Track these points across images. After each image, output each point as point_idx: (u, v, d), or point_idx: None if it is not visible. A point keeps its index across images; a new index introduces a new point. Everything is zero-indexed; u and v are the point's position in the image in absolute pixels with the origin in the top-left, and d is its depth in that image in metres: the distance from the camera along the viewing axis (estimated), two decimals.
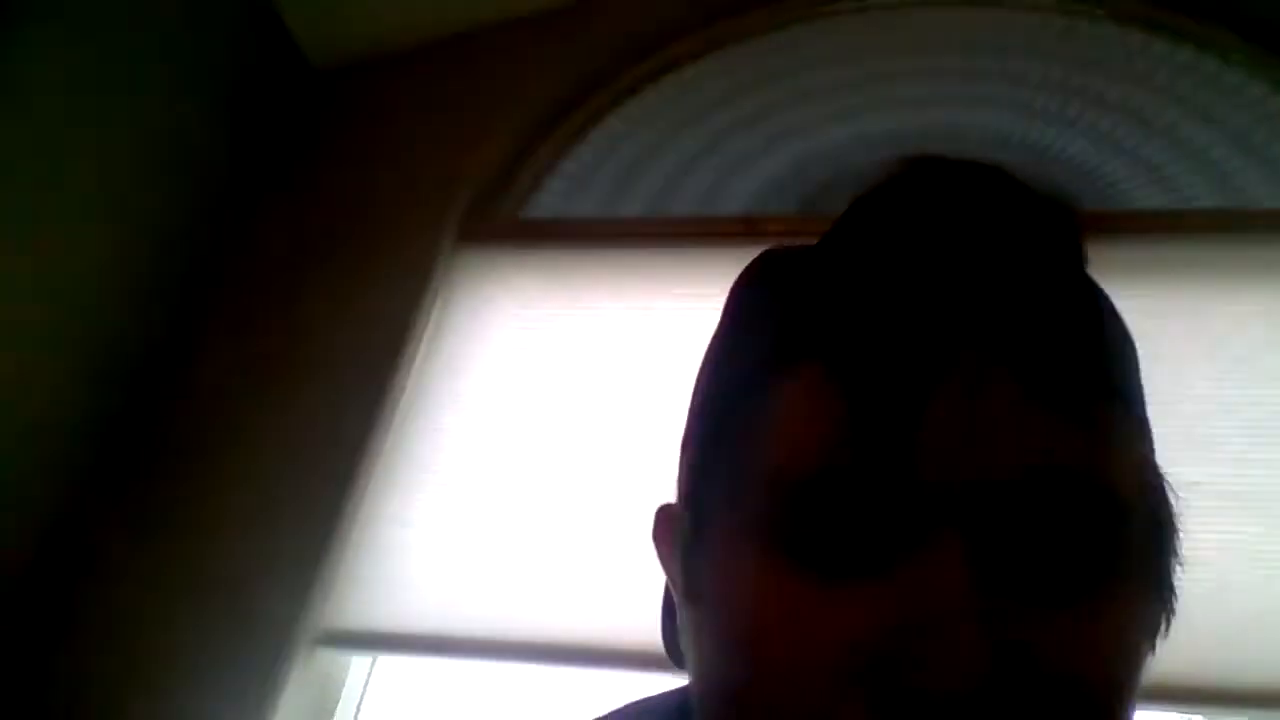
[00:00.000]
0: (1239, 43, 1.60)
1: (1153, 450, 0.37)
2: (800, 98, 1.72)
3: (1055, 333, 0.33)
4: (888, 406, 0.31)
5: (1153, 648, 0.35)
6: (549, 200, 1.71)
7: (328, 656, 1.32)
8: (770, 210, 1.62)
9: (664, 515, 0.46)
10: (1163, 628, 0.36)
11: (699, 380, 0.44)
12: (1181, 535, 0.37)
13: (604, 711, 0.47)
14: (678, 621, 0.41)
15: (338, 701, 1.31)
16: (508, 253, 1.63)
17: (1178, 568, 0.37)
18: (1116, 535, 0.32)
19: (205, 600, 1.31)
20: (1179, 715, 1.25)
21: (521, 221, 1.68)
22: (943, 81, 1.68)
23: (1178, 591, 0.37)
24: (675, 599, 0.42)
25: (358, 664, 1.37)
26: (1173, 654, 1.16)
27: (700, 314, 1.51)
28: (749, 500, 0.34)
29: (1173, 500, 0.37)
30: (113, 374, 1.50)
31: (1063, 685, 0.30)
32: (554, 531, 1.36)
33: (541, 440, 1.44)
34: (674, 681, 0.46)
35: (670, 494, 0.46)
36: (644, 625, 1.28)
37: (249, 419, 1.46)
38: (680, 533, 0.41)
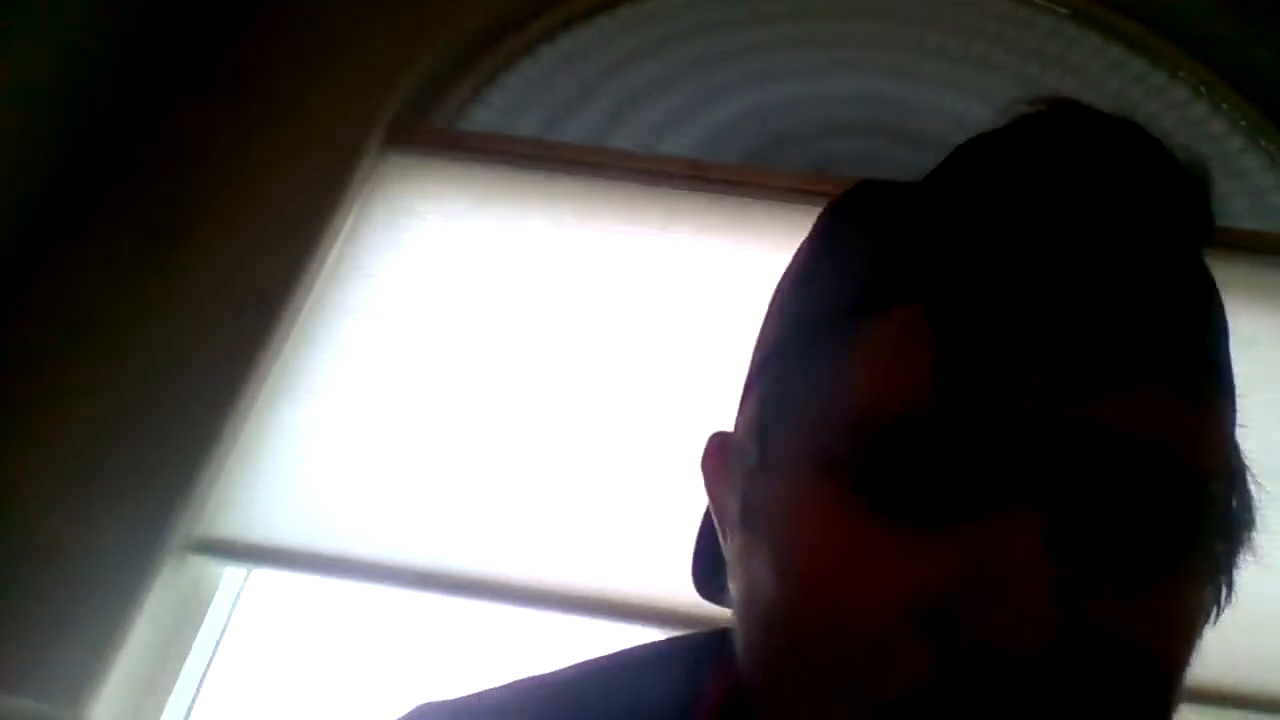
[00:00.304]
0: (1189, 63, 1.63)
1: (1235, 436, 0.35)
2: (762, 48, 1.67)
3: (1166, 305, 0.32)
4: (987, 358, 0.30)
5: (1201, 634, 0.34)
6: (487, 115, 1.62)
7: (198, 564, 1.23)
8: (718, 159, 1.57)
9: (719, 442, 0.44)
10: (1214, 614, 0.35)
11: (777, 305, 0.42)
12: (1258, 523, 0.36)
13: (632, 646, 0.46)
14: (724, 551, 0.41)
15: (205, 611, 1.23)
16: (437, 163, 1.54)
17: (1245, 556, 0.36)
18: (1197, 519, 0.31)
19: (74, 497, 1.20)
20: None
21: (455, 132, 1.59)
22: (901, 52, 1.66)
23: (1237, 580, 0.36)
24: (723, 527, 0.41)
25: (231, 576, 1.28)
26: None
27: (632, 251, 1.47)
28: (828, 437, 0.33)
29: (1253, 488, 0.36)
30: None
31: (1125, 661, 0.29)
32: (451, 457, 1.30)
33: (449, 361, 1.37)
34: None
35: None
36: (532, 559, 1.26)
37: (134, 309, 1.34)
38: (742, 462, 0.39)
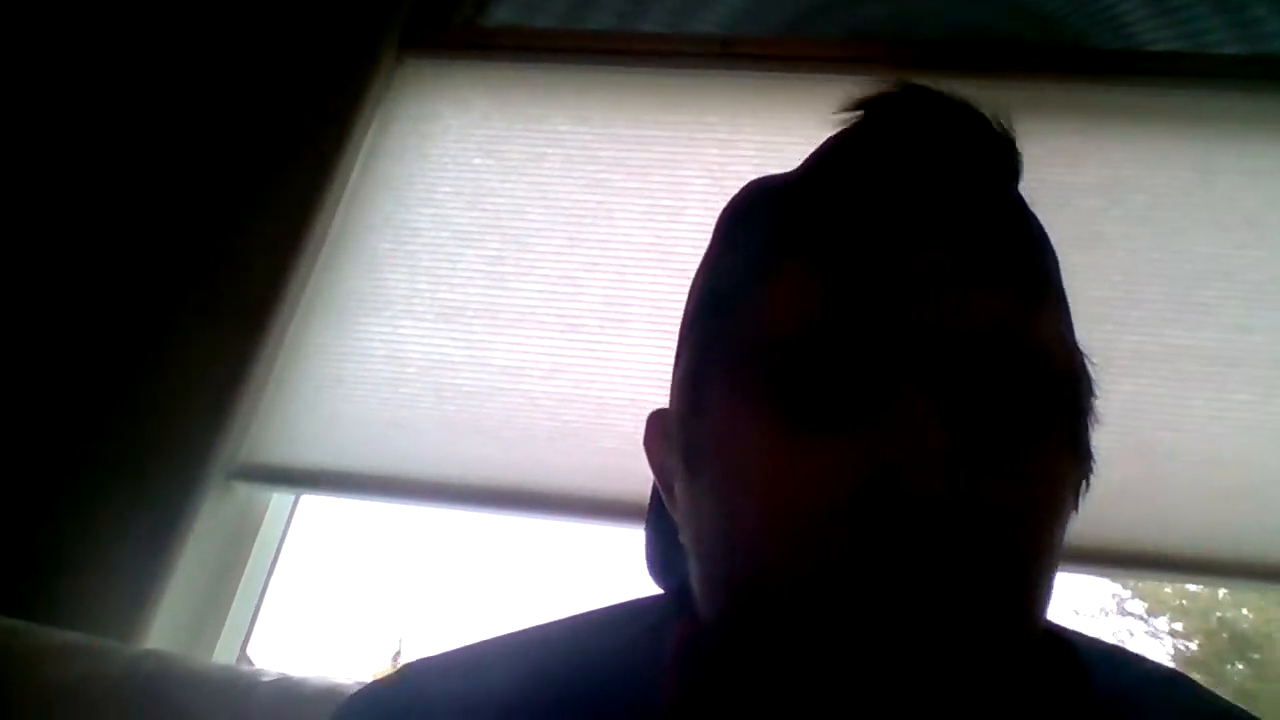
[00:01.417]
0: None
1: (1073, 331, 0.43)
2: None
3: (997, 232, 0.40)
4: (863, 278, 0.37)
5: (1076, 505, 0.41)
6: (505, 9, 1.53)
7: (244, 491, 1.21)
8: (748, 32, 1.45)
9: (655, 418, 0.50)
10: (1084, 486, 0.42)
11: (693, 289, 0.48)
12: (1097, 401, 0.43)
13: (593, 608, 0.49)
14: (673, 516, 0.45)
15: (254, 539, 1.21)
16: (457, 64, 1.46)
17: (1094, 429, 0.42)
18: (1049, 393, 0.38)
19: (114, 428, 1.19)
20: None
21: (472, 28, 1.50)
22: None
23: (1095, 455, 0.42)
24: (669, 492, 0.46)
25: (279, 502, 1.26)
26: (1164, 524, 1.05)
27: (665, 143, 1.38)
28: (746, 368, 0.39)
29: (1091, 371, 0.43)
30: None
31: (1005, 514, 0.35)
32: (489, 367, 1.25)
33: (489, 271, 1.31)
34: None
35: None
36: (589, 468, 1.21)
37: (157, 237, 1.31)
38: (679, 418, 0.44)
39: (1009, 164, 0.43)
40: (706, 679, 0.40)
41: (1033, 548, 0.36)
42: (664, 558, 0.51)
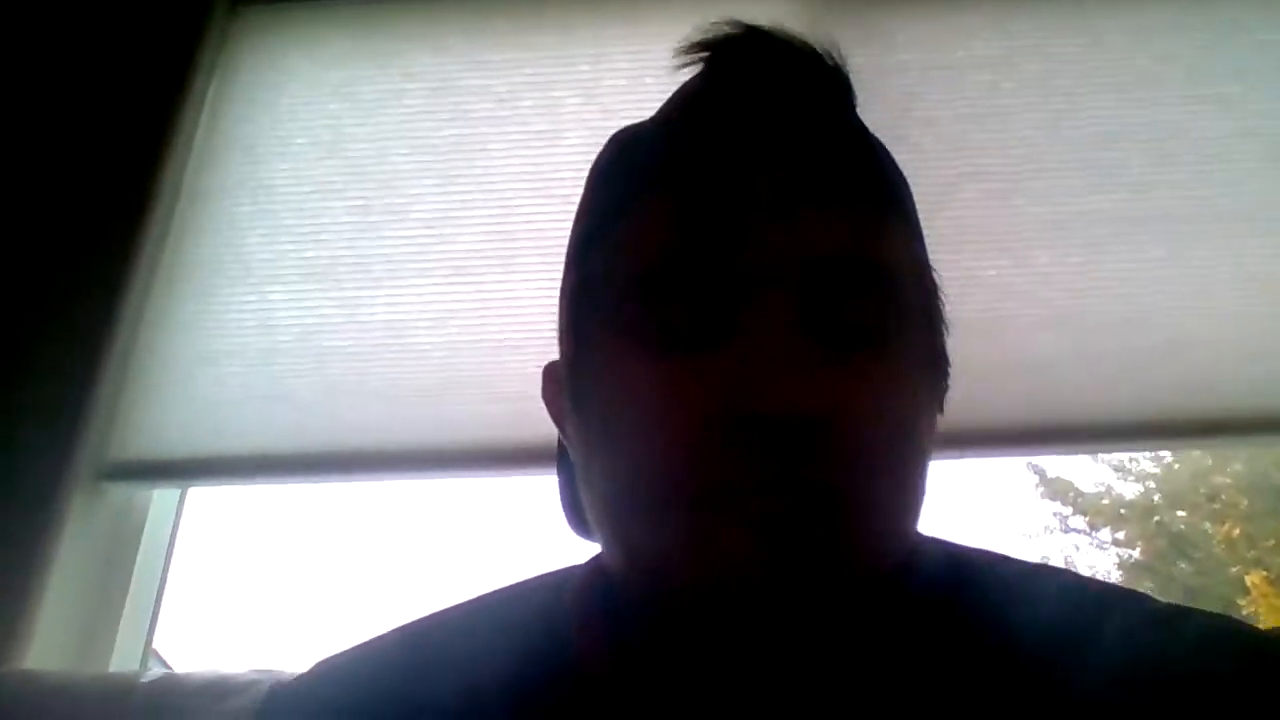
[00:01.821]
0: None
1: (925, 252, 0.46)
2: None
3: (835, 155, 0.42)
4: (712, 207, 0.40)
5: (939, 406, 0.45)
6: None
7: (119, 491, 1.12)
8: None
9: (548, 369, 0.51)
10: (943, 388, 0.45)
11: (570, 242, 0.49)
12: (948, 322, 0.46)
13: (494, 590, 0.51)
14: (571, 456, 0.47)
15: (139, 540, 1.12)
16: (297, 6, 1.35)
17: (945, 337, 0.46)
18: (890, 303, 0.41)
19: None
20: None
21: None
22: None
23: (949, 360, 0.46)
24: (565, 435, 0.48)
25: (163, 498, 1.17)
26: (1091, 394, 1.00)
27: (532, 65, 1.29)
28: (612, 305, 0.42)
29: (942, 296, 0.46)
30: None
31: (858, 415, 0.38)
32: (380, 326, 1.16)
33: (357, 222, 1.22)
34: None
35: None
36: (488, 417, 1.14)
37: None
38: (564, 364, 0.47)
39: (843, 94, 0.46)
40: (610, 608, 0.45)
41: (881, 445, 0.39)
42: (577, 506, 0.49)
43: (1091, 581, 0.45)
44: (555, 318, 0.50)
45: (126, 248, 1.16)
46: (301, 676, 0.49)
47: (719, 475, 0.37)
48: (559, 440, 0.51)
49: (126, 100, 1.25)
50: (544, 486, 1.20)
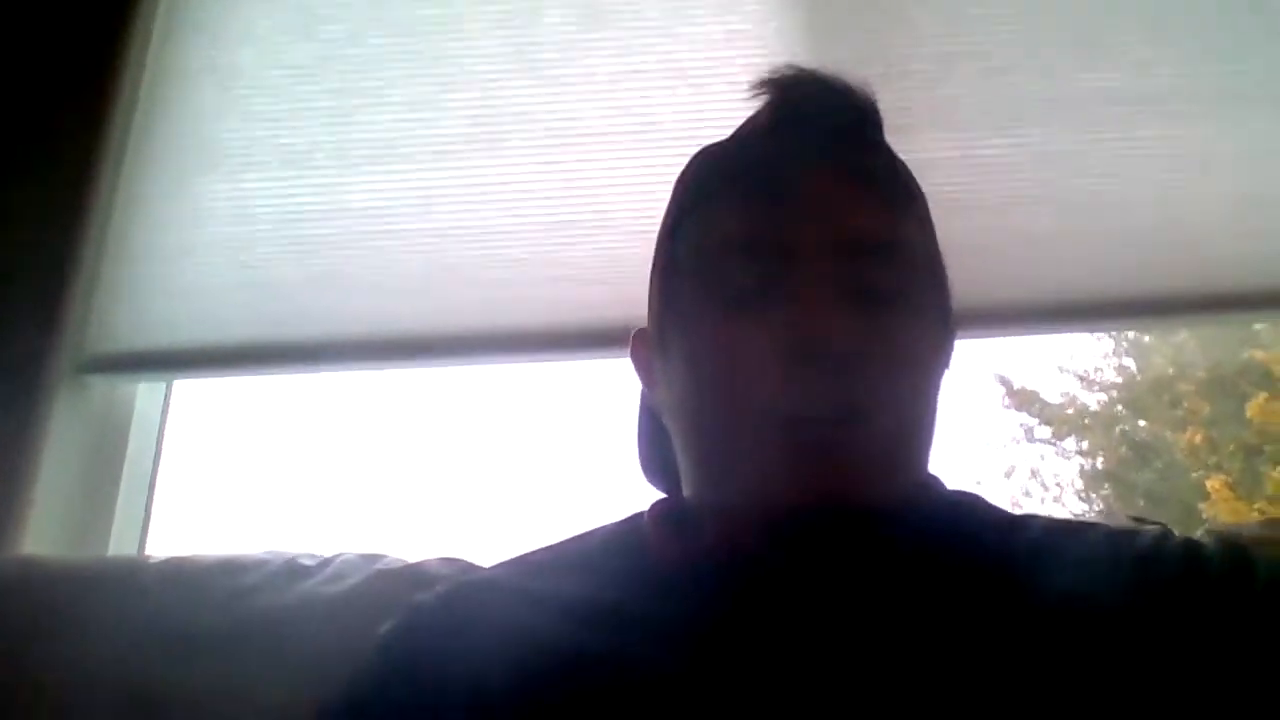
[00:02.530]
0: None
1: (936, 244, 0.60)
2: None
3: (866, 164, 0.56)
4: (768, 200, 0.54)
5: (947, 364, 0.58)
6: None
7: (101, 384, 1.10)
8: None
9: (636, 336, 0.65)
10: (950, 344, 0.59)
11: (658, 233, 0.63)
12: (953, 300, 0.60)
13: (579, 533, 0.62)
14: (654, 400, 0.62)
15: (126, 434, 1.11)
16: None
17: (950, 305, 0.59)
18: (906, 274, 0.54)
19: None
20: None
21: None
22: None
23: (954, 325, 0.60)
24: (651, 386, 0.62)
25: (150, 390, 1.15)
26: (1089, 272, 0.98)
27: None
28: (695, 274, 0.56)
29: (950, 277, 0.60)
30: None
31: (880, 350, 0.51)
32: (362, 214, 1.13)
33: (334, 106, 1.17)
34: None
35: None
36: (477, 303, 1.12)
37: None
38: (653, 321, 0.61)
39: (873, 119, 0.58)
40: (678, 527, 0.57)
41: (897, 371, 0.51)
42: (655, 460, 0.65)
43: (1062, 519, 0.58)
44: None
45: (91, 139, 1.12)
46: (439, 593, 0.58)
47: (786, 402, 0.49)
48: (640, 401, 0.65)
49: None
50: (531, 373, 1.20)
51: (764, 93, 0.58)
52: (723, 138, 0.63)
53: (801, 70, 0.57)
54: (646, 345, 0.62)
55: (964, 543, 0.52)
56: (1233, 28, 1.18)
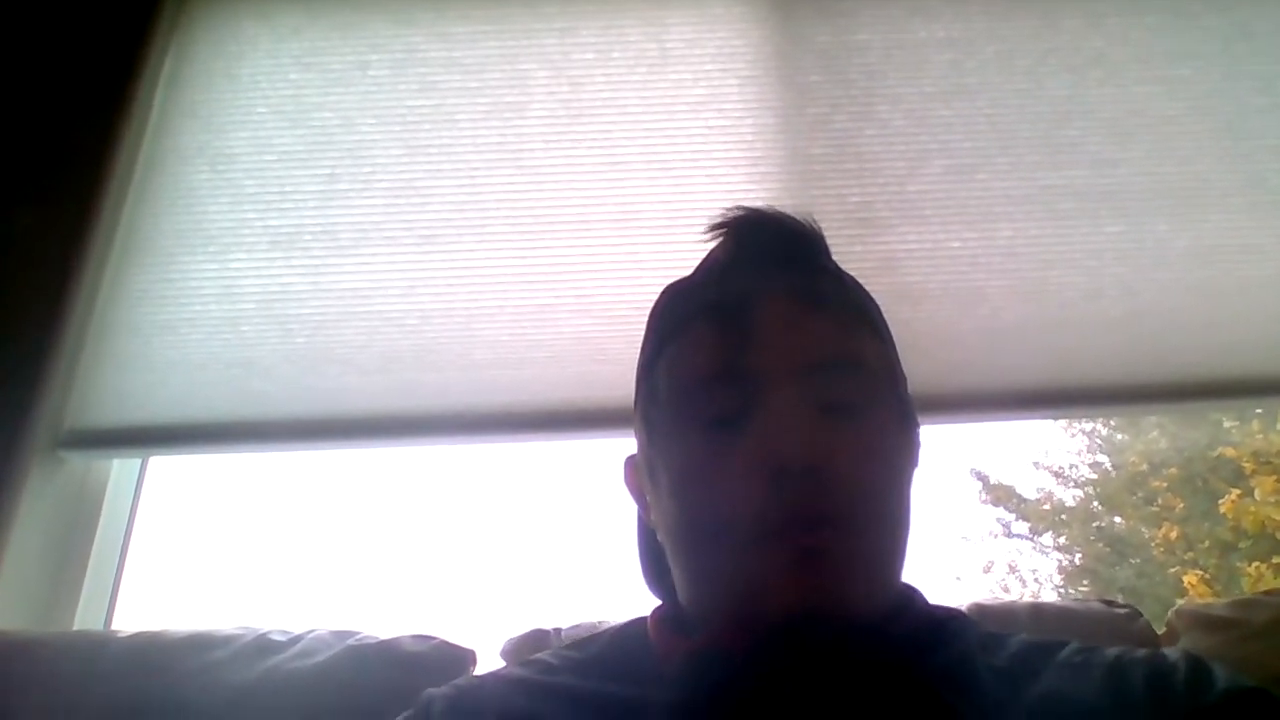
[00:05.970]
0: None
1: (894, 350, 0.64)
2: None
3: (817, 286, 0.61)
4: (737, 329, 0.58)
5: (915, 462, 0.62)
6: None
7: (78, 460, 1.09)
8: None
9: (628, 461, 0.68)
10: (915, 441, 0.63)
11: (637, 366, 0.66)
12: (910, 399, 0.64)
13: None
14: (651, 523, 0.64)
15: (99, 509, 1.10)
16: None
17: (911, 414, 0.63)
18: (869, 384, 0.58)
19: None
20: None
21: None
22: None
23: (919, 426, 0.64)
24: (645, 509, 0.65)
25: (124, 467, 1.15)
26: (1057, 361, 1.02)
27: (499, 37, 1.28)
28: (673, 402, 0.59)
29: (909, 392, 0.64)
30: None
31: (848, 459, 0.54)
32: (348, 294, 1.15)
33: (324, 190, 1.20)
34: None
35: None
36: (460, 384, 1.14)
37: None
38: (642, 450, 0.64)
39: (820, 246, 0.64)
40: (678, 626, 0.60)
41: (866, 478, 0.55)
42: (654, 571, 0.68)
43: (1038, 638, 0.60)
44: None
45: (83, 217, 1.14)
46: (454, 683, 0.60)
47: (764, 516, 0.52)
48: (638, 517, 0.69)
49: (82, 70, 1.23)
50: (510, 453, 1.21)
51: (720, 234, 0.64)
52: (687, 273, 0.67)
53: (751, 210, 0.63)
54: (636, 471, 0.66)
55: (940, 660, 0.54)
56: (1190, 131, 1.25)
